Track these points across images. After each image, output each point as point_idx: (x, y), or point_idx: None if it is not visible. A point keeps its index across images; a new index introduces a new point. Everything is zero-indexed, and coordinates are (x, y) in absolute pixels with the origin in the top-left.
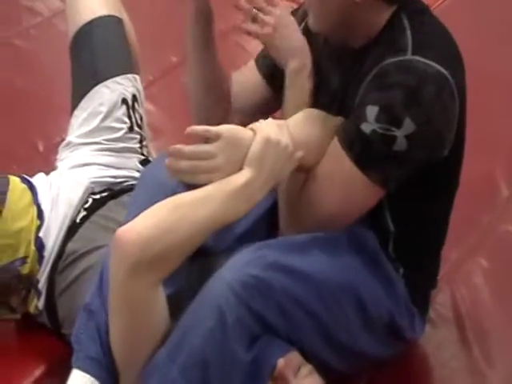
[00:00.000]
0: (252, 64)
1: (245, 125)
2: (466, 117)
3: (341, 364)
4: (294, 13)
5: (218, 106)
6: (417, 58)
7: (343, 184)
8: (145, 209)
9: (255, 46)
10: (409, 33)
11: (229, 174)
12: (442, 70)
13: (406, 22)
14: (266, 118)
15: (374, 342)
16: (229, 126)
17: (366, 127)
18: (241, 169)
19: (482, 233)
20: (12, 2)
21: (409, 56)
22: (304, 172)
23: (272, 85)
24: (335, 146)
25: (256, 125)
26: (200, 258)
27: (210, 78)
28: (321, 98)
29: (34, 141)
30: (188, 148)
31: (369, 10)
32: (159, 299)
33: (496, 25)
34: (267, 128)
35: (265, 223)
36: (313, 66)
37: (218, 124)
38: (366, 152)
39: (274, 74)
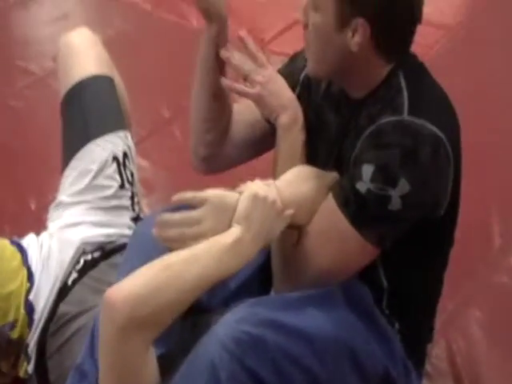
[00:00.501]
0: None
1: (238, 159)
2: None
3: None
4: (295, 57)
5: (219, 135)
6: (413, 119)
7: (338, 241)
8: (137, 268)
9: None
10: (405, 93)
11: None
12: (438, 131)
13: (402, 81)
14: (260, 154)
15: None
16: (215, 190)
17: (362, 186)
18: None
19: (476, 284)
20: (6, 62)
21: (405, 116)
22: (296, 230)
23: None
24: (330, 202)
25: (242, 186)
26: (193, 315)
27: (215, 104)
28: (320, 146)
29: (26, 199)
30: (175, 217)
31: (365, 63)
32: (149, 360)
33: (488, 73)
34: (254, 186)
35: (258, 279)
36: (308, 115)
37: (215, 153)
38: (361, 211)
39: None
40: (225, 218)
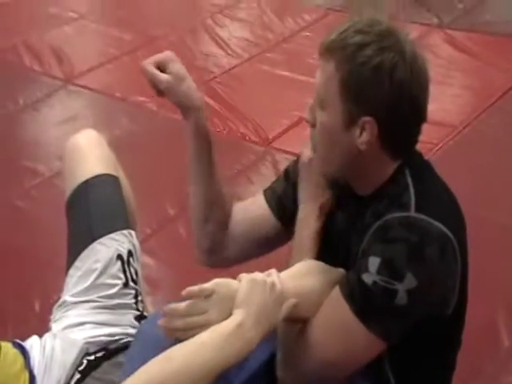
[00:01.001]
0: (259, 197)
1: (241, 255)
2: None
3: None
4: (295, 164)
5: (218, 226)
6: (420, 215)
7: (343, 334)
8: (140, 366)
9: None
10: (412, 190)
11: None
12: (445, 229)
13: (409, 179)
14: (263, 254)
15: None
16: (220, 279)
17: (368, 278)
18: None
19: (485, 383)
20: (15, 163)
21: (412, 213)
22: (300, 322)
23: (281, 218)
24: (336, 294)
25: (242, 274)
26: None
27: (209, 194)
28: (328, 242)
29: (30, 300)
30: (181, 306)
31: (373, 161)
32: None
33: (490, 170)
34: (253, 273)
35: (263, 377)
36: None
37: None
38: (366, 303)
39: (283, 207)
40: (230, 305)
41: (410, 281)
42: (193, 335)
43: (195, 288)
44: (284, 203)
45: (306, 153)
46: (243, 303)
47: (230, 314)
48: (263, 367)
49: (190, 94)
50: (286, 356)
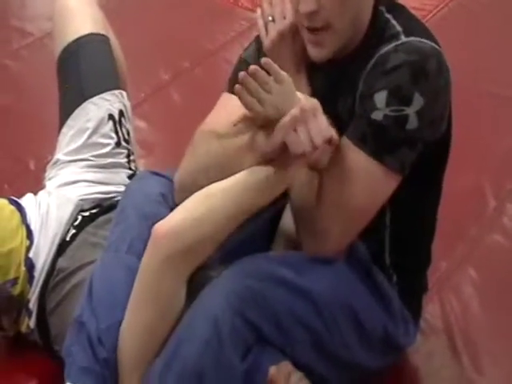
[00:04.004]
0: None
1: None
2: (453, 115)
3: (334, 375)
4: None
5: None
6: (411, 38)
7: (363, 179)
8: (131, 222)
9: None
10: (394, 22)
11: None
12: (436, 46)
13: (387, 15)
14: None
15: (370, 353)
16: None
17: (377, 115)
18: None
19: (470, 243)
20: (2, 23)
21: (403, 39)
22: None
23: None
24: (346, 145)
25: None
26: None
27: None
28: None
29: (25, 160)
30: (261, 72)
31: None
32: (184, 293)
33: (485, 39)
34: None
35: (255, 241)
36: None
37: None
38: (380, 139)
39: None
40: (287, 105)
41: (417, 101)
42: (251, 103)
43: (274, 65)
44: None
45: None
46: None
47: (281, 113)
48: (259, 230)
49: None
50: (310, 224)
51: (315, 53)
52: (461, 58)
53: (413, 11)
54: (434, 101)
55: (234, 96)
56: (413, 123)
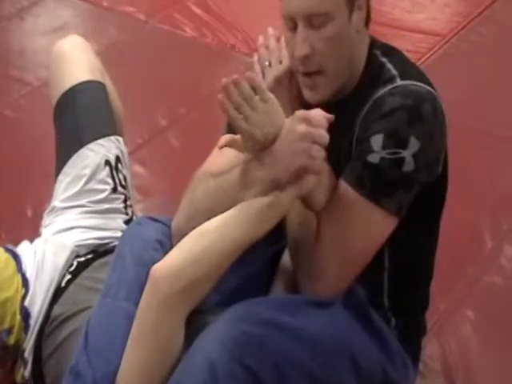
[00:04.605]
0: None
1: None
2: (449, 155)
3: None
4: None
5: None
6: (406, 82)
7: (361, 222)
8: (127, 266)
9: None
10: (389, 65)
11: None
12: (430, 89)
13: (382, 58)
14: None
15: None
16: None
17: (374, 157)
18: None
19: (468, 284)
20: (1, 72)
21: (399, 82)
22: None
23: None
24: (343, 187)
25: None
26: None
27: None
28: None
29: (23, 207)
30: (245, 85)
31: (360, 41)
32: (182, 334)
33: (478, 83)
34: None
35: (254, 283)
36: None
37: None
38: (377, 182)
39: None
40: (271, 127)
41: (413, 144)
42: (236, 119)
43: (260, 82)
44: None
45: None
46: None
47: (267, 132)
48: (253, 277)
49: None
50: (307, 266)
51: (310, 96)
52: (456, 98)
53: (407, 53)
54: (430, 144)
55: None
56: (409, 165)
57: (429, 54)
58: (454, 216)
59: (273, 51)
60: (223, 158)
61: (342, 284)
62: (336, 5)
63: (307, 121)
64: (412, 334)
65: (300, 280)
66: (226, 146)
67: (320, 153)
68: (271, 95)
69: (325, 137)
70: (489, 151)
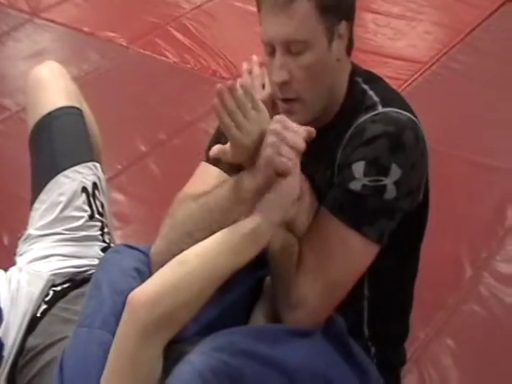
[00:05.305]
0: (204, 168)
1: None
2: (429, 184)
3: None
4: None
5: None
6: (388, 109)
7: (342, 250)
8: (104, 295)
9: None
10: (371, 92)
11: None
12: (412, 116)
13: (364, 85)
14: None
15: None
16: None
17: (355, 185)
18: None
19: (447, 312)
20: None
21: (380, 109)
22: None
23: None
24: (324, 215)
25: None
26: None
27: None
28: None
29: None
30: (239, 92)
31: (341, 69)
32: (160, 362)
33: (458, 107)
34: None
35: (234, 312)
36: None
37: None
38: (358, 210)
39: None
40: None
41: (395, 172)
42: (228, 125)
43: (252, 90)
44: None
45: None
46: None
47: (256, 141)
48: (230, 307)
49: None
50: (287, 293)
51: (296, 115)
52: (437, 125)
53: (388, 80)
54: (411, 171)
55: (211, 166)
56: (391, 193)
57: (410, 81)
58: (433, 243)
59: (256, 77)
60: (204, 180)
61: (321, 313)
62: (314, 33)
63: (282, 122)
64: (391, 364)
65: (279, 308)
66: (216, 156)
67: (290, 154)
68: (262, 105)
69: (298, 142)
70: (469, 178)
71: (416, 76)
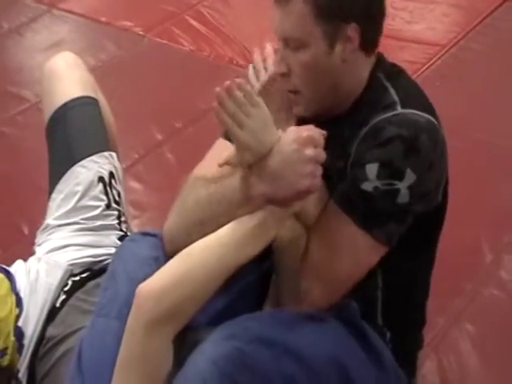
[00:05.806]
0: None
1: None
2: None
3: None
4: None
5: None
6: (407, 110)
7: (348, 247)
8: (120, 284)
9: None
10: (392, 91)
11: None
12: (432, 119)
13: (385, 82)
14: None
15: None
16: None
17: (368, 186)
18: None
19: (466, 298)
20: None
21: (399, 110)
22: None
23: None
24: (334, 211)
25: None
26: (179, 333)
27: None
28: None
29: (19, 225)
30: (238, 94)
31: (353, 69)
32: (170, 355)
33: (478, 93)
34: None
35: (244, 300)
36: None
37: None
38: (369, 211)
39: None
40: (268, 132)
41: (409, 176)
42: (226, 124)
43: (248, 87)
44: None
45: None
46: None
47: (262, 139)
48: (246, 292)
49: None
50: (294, 287)
51: (294, 110)
52: (455, 108)
53: (406, 64)
54: (427, 175)
55: (228, 142)
56: (404, 197)
57: (428, 64)
58: (452, 230)
59: (269, 57)
60: (216, 163)
61: (323, 305)
62: (309, 34)
63: (312, 143)
64: (407, 350)
65: (282, 299)
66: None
67: (320, 171)
68: (259, 99)
69: (324, 156)
70: (488, 162)
71: (435, 59)
